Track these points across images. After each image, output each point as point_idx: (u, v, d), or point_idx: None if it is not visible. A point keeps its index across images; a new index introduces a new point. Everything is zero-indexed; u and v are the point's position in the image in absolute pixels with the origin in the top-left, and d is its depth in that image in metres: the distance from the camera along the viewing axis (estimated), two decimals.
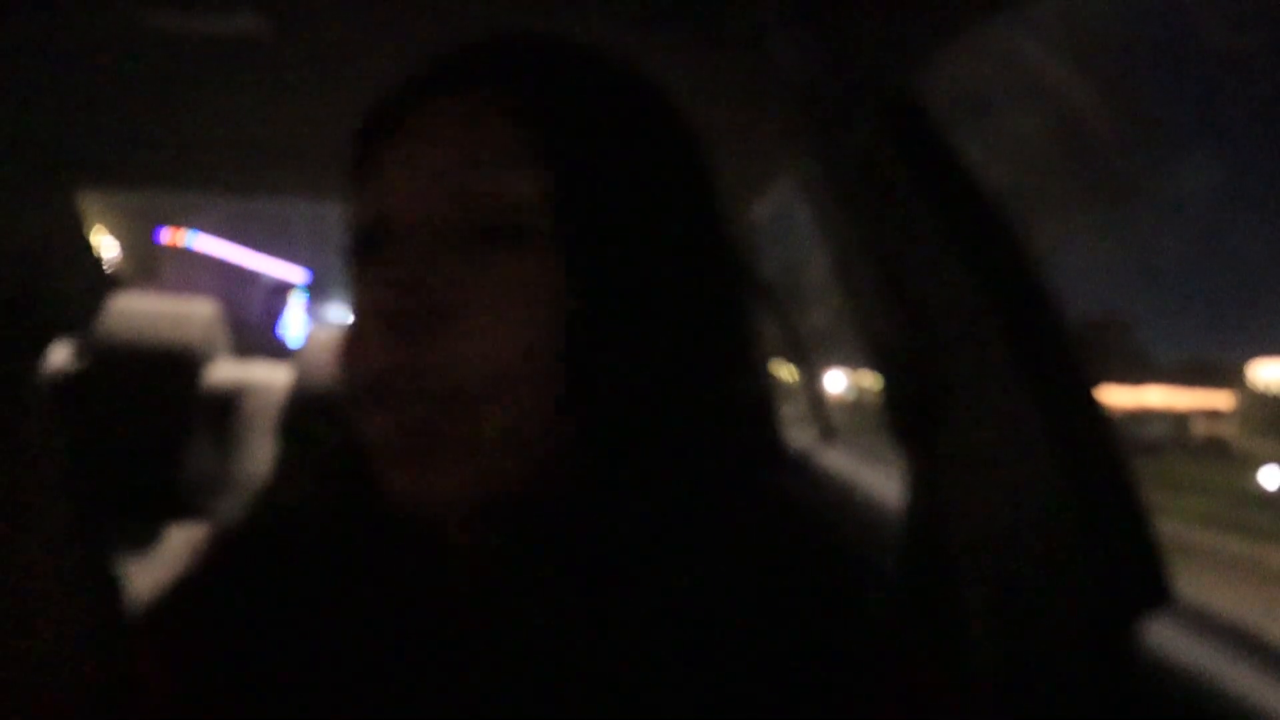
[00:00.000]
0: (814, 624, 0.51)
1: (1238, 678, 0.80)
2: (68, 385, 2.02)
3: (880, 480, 1.62)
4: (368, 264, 0.52)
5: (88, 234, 2.31)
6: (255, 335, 10.75)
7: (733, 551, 0.52)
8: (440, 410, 0.48)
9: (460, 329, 0.48)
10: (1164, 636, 0.89)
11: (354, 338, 0.51)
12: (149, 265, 11.38)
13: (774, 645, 0.50)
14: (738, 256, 0.57)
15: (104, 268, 2.40)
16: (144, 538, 1.84)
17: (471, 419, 0.48)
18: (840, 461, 1.98)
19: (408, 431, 0.48)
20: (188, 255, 11.66)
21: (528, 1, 0.80)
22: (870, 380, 1.18)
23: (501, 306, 0.48)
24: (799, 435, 2.30)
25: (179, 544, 1.84)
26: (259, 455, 1.95)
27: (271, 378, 2.03)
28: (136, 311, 2.01)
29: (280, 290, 12.56)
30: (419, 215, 0.50)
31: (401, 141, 0.52)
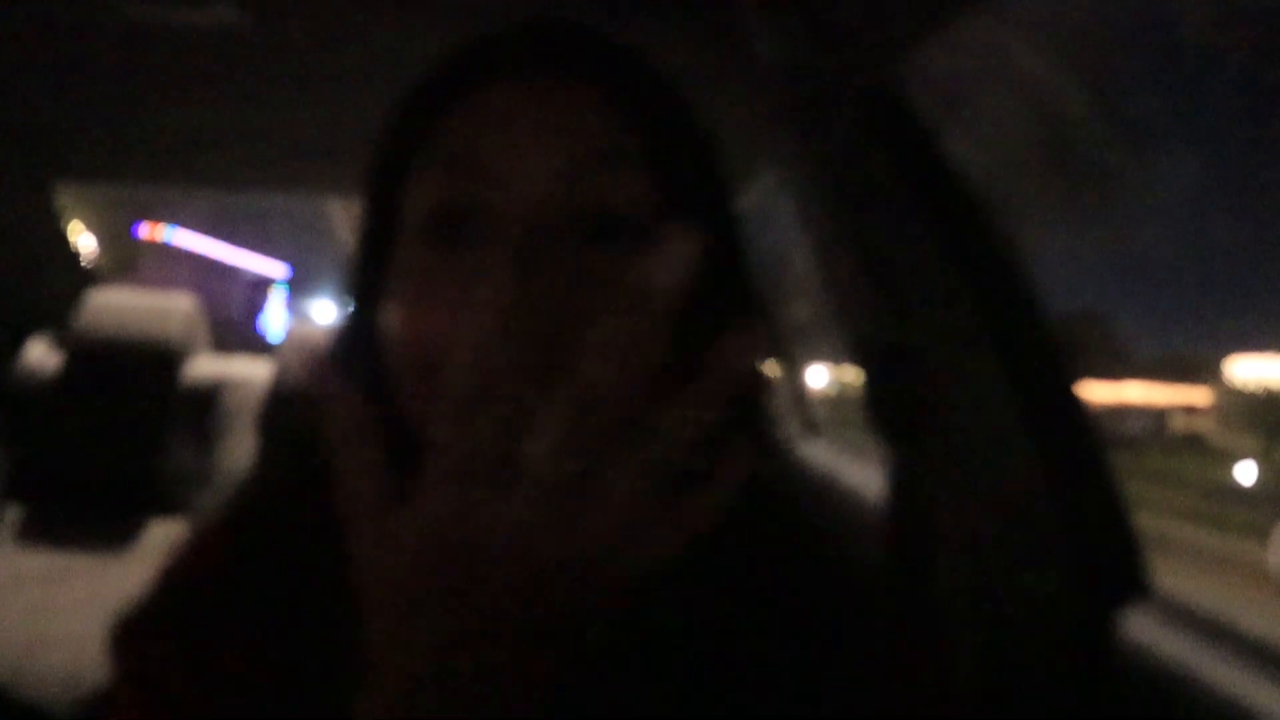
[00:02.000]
0: (802, 614, 0.52)
1: (1215, 669, 0.81)
2: (45, 381, 2.00)
3: (863, 475, 1.62)
4: (457, 249, 0.48)
5: (65, 229, 2.29)
6: (235, 330, 10.69)
7: (731, 546, 0.50)
8: (556, 424, 0.43)
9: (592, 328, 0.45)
10: (1143, 628, 0.89)
11: (442, 329, 0.47)
12: (127, 260, 11.30)
13: (764, 636, 0.50)
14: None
15: (82, 263, 2.38)
16: (123, 533, 1.83)
17: (593, 419, 0.44)
18: (823, 456, 1.98)
19: (505, 449, 0.42)
20: (166, 250, 11.59)
21: None
22: (853, 375, 1.19)
23: (628, 307, 0.45)
24: (782, 430, 2.30)
25: (158, 539, 1.83)
26: (239, 450, 1.94)
27: (251, 373, 2.02)
28: (115, 307, 1.99)
29: (260, 285, 12.51)
30: (535, 206, 0.47)
31: (498, 124, 0.49)
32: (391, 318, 0.50)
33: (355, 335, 0.54)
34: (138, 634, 0.54)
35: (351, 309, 0.55)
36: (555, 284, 0.45)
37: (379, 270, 0.52)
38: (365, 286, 0.53)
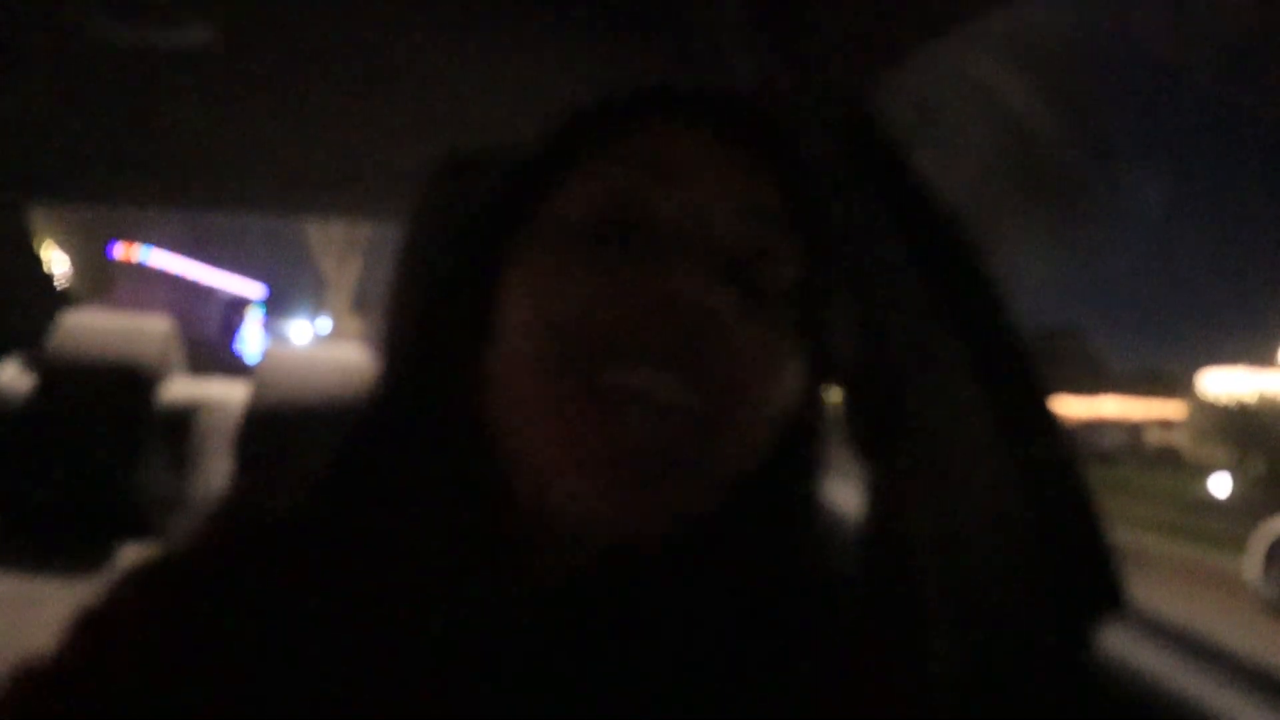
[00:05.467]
0: (798, 627, 0.53)
1: (1192, 683, 0.81)
2: (18, 403, 1.98)
3: (840, 491, 1.63)
4: (631, 251, 0.49)
5: (38, 249, 2.27)
6: (211, 351, 10.63)
7: (746, 567, 0.53)
8: (694, 433, 0.46)
9: (736, 359, 0.48)
10: (1120, 643, 0.90)
11: (588, 327, 0.47)
12: (102, 281, 11.22)
13: (762, 650, 0.51)
14: None
15: (55, 284, 2.36)
16: (96, 557, 1.81)
17: (717, 449, 0.47)
18: None
19: (647, 445, 0.46)
20: (141, 270, 11.51)
21: (488, 18, 0.80)
22: (830, 393, 1.18)
23: (766, 347, 0.50)
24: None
25: (131, 563, 1.81)
26: (214, 473, 1.92)
27: (228, 395, 2.01)
28: (89, 328, 1.98)
29: (237, 305, 12.44)
30: (702, 233, 0.50)
31: (668, 158, 0.51)
32: (516, 305, 0.50)
33: (446, 365, 0.53)
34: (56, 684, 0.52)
35: (431, 339, 0.54)
36: (722, 303, 0.47)
37: (479, 274, 0.53)
38: (457, 309, 0.53)
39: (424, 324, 0.54)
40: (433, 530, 0.49)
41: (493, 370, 0.50)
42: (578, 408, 0.46)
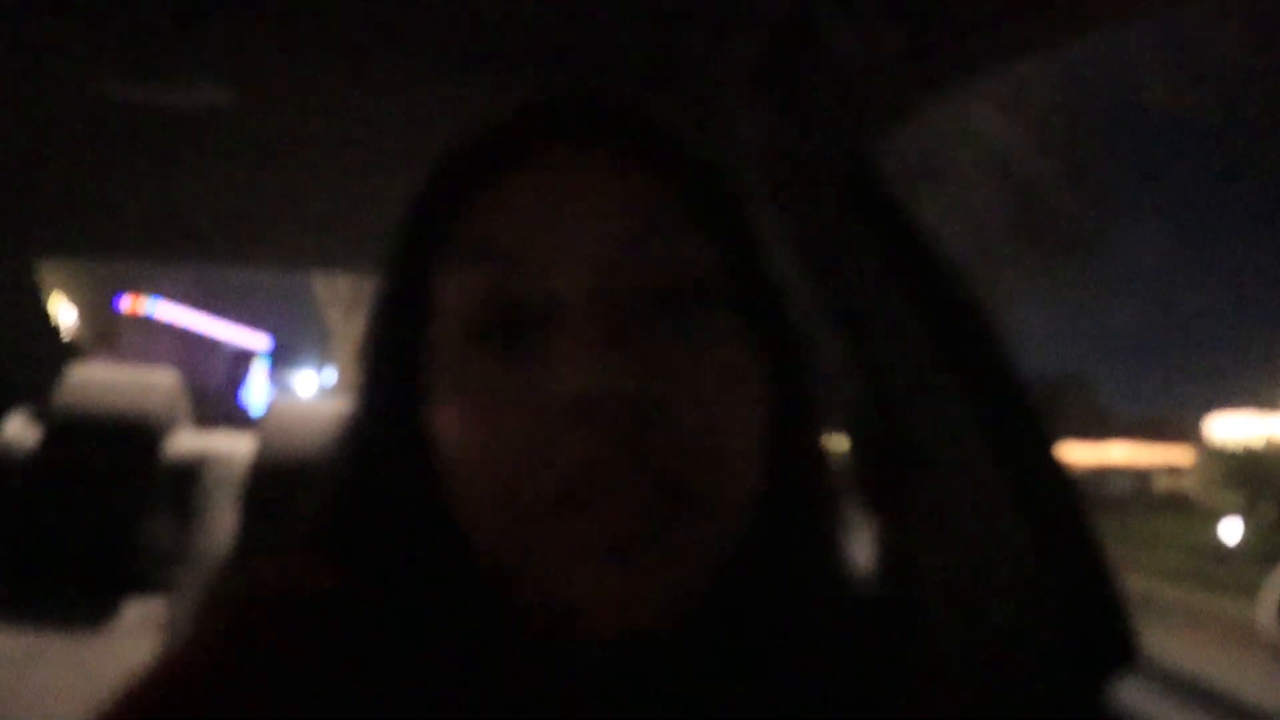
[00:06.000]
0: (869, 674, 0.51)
1: None
2: (23, 456, 1.98)
3: (849, 543, 1.62)
4: (515, 349, 0.44)
5: (45, 302, 2.29)
6: (217, 404, 10.64)
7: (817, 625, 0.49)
8: (667, 501, 0.41)
9: (677, 408, 0.42)
10: (1134, 695, 0.89)
11: (518, 440, 0.42)
12: (108, 333, 11.27)
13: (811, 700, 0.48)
14: None
15: (62, 336, 2.38)
16: (101, 612, 1.80)
17: (699, 508, 0.42)
18: None
19: (625, 532, 0.41)
20: (148, 323, 11.57)
21: (500, 76, 0.81)
22: (837, 443, 1.19)
23: (709, 378, 0.43)
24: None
25: (136, 618, 1.80)
26: (220, 527, 1.92)
27: (234, 447, 2.01)
28: (95, 381, 1.98)
29: (242, 358, 12.47)
30: (602, 286, 0.43)
31: (538, 203, 0.45)
32: (443, 427, 0.45)
33: (389, 437, 0.48)
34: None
35: (375, 408, 0.50)
36: (633, 368, 0.41)
37: (409, 370, 0.47)
38: (394, 387, 0.48)
39: (379, 420, 0.50)
40: (434, 611, 0.45)
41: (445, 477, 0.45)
42: (535, 551, 0.43)
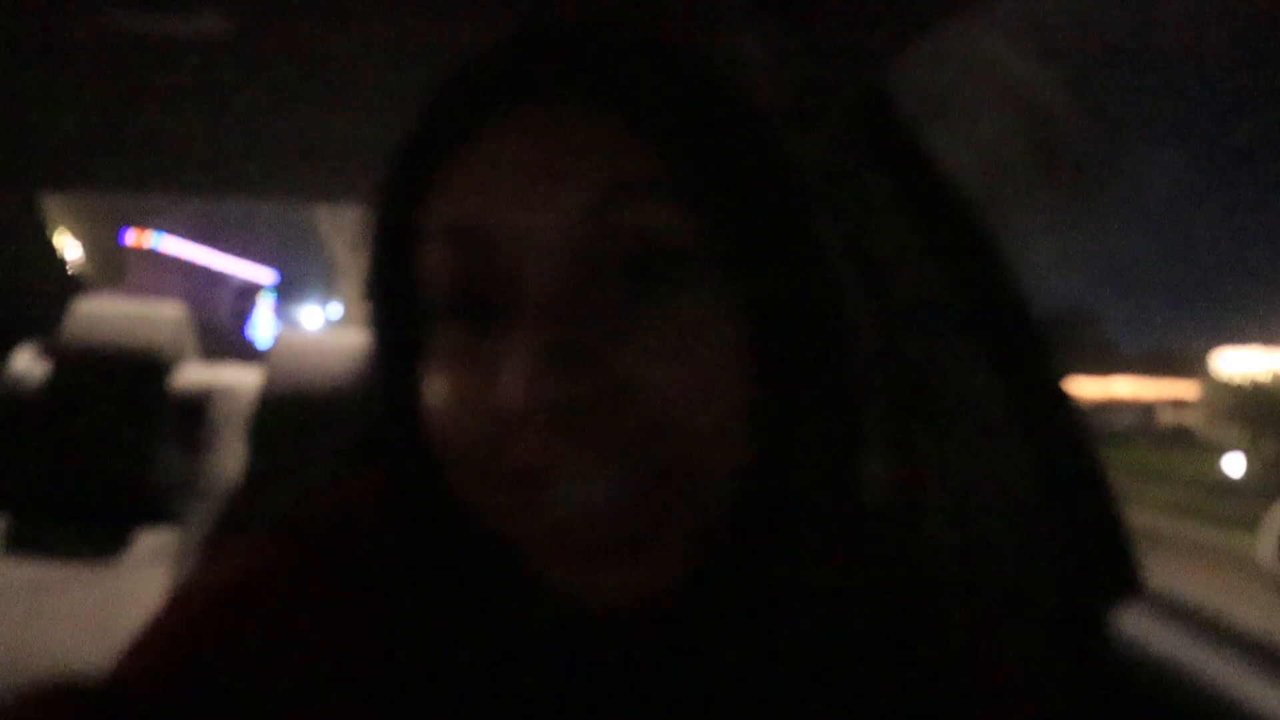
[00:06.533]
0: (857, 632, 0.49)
1: (1207, 664, 0.81)
2: (32, 390, 1.99)
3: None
4: (474, 329, 0.43)
5: (51, 236, 2.28)
6: (224, 337, 10.68)
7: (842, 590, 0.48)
8: (637, 487, 0.41)
9: (640, 387, 0.40)
10: (1135, 624, 0.90)
11: (477, 422, 0.42)
12: (114, 267, 11.26)
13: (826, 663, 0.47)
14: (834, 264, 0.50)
15: (68, 270, 2.37)
16: (113, 543, 1.82)
17: (675, 490, 0.41)
18: None
19: (598, 521, 0.41)
20: (153, 257, 11.56)
21: (502, 2, 0.80)
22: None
23: (687, 354, 0.41)
24: None
25: (148, 549, 1.82)
26: (229, 459, 1.93)
27: (241, 380, 2.01)
28: (102, 315, 1.98)
29: (248, 291, 12.48)
30: (559, 264, 0.41)
31: (500, 172, 0.43)
32: (424, 392, 0.45)
33: (392, 409, 0.48)
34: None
35: (382, 380, 0.50)
36: (593, 352, 0.40)
37: (403, 344, 0.47)
38: (392, 360, 0.48)
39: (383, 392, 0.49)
40: (453, 562, 0.46)
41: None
42: (500, 490, 0.42)
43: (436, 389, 0.43)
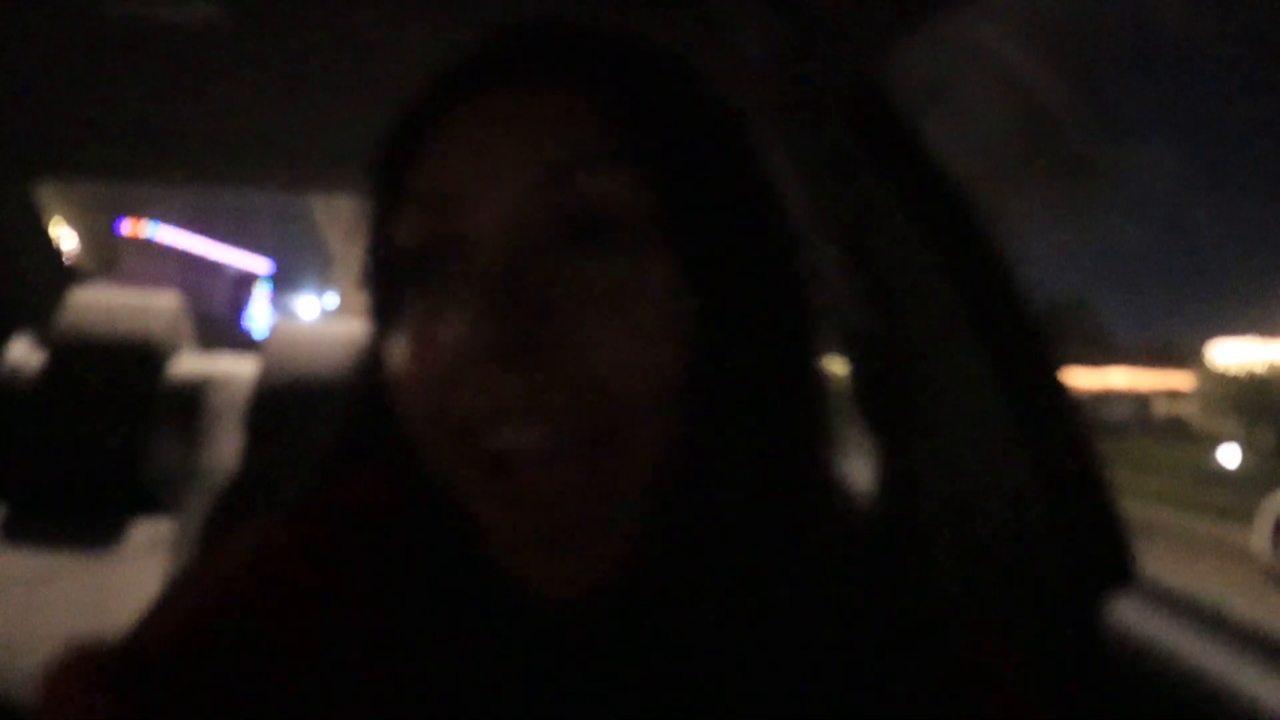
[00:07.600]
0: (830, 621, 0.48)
1: (1202, 653, 0.81)
2: (27, 380, 1.99)
3: (850, 466, 1.63)
4: (435, 289, 0.45)
5: (46, 225, 2.27)
6: (220, 327, 10.67)
7: (822, 575, 0.47)
8: (576, 438, 0.42)
9: (587, 348, 0.42)
10: (1130, 614, 0.90)
11: (432, 377, 0.44)
12: (110, 257, 11.25)
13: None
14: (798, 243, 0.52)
15: (63, 260, 2.37)
16: (108, 533, 1.82)
17: (614, 453, 0.43)
18: None
19: (538, 497, 0.43)
20: (149, 246, 11.54)
21: None
22: (839, 367, 1.19)
23: (625, 317, 0.43)
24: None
25: (144, 539, 1.82)
26: (225, 449, 1.93)
27: (237, 370, 2.01)
28: (98, 304, 1.98)
29: (244, 281, 12.48)
30: (507, 226, 0.44)
31: (463, 147, 0.46)
32: (391, 361, 0.47)
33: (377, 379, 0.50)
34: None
35: (371, 359, 0.52)
36: (533, 304, 0.42)
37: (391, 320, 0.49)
38: (379, 324, 0.51)
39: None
40: (420, 555, 0.47)
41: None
42: (472, 473, 0.45)
43: (397, 349, 0.46)
